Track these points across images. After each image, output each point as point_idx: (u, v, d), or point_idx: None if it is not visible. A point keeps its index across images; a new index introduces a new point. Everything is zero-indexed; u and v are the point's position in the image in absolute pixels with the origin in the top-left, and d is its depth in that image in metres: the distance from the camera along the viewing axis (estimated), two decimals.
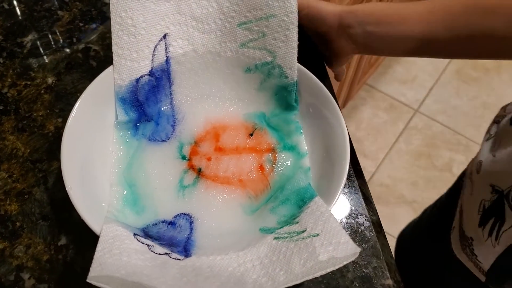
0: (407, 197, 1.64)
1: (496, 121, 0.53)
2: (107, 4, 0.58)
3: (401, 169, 1.72)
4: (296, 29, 0.44)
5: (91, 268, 0.32)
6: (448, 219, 0.58)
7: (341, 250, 0.33)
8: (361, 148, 1.77)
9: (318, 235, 0.35)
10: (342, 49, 0.50)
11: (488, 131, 0.53)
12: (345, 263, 0.32)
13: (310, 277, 0.32)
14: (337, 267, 0.32)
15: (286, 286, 0.32)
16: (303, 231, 0.36)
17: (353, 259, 0.32)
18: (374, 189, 1.67)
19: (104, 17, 0.57)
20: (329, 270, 0.32)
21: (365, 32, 0.47)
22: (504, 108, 0.53)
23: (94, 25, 0.56)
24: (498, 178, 0.47)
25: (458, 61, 2.01)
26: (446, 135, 1.74)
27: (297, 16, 0.44)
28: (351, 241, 0.33)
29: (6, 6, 0.58)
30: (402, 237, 0.77)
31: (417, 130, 1.79)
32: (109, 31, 0.52)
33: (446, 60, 1.98)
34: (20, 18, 0.57)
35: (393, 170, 1.70)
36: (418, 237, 0.70)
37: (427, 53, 0.47)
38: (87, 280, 0.31)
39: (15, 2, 0.58)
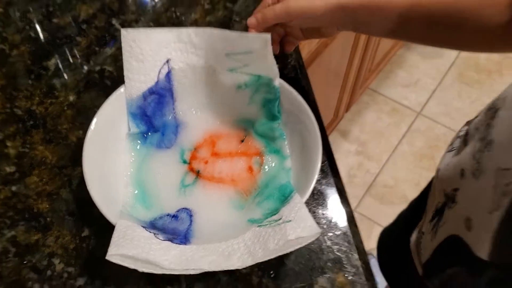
0: (410, 197, 1.69)
1: (459, 135, 0.60)
2: (119, 30, 0.67)
3: (405, 170, 1.78)
4: (273, 57, 0.51)
5: (109, 249, 0.40)
6: (417, 220, 0.66)
7: (307, 231, 0.41)
8: (365, 151, 1.83)
9: (290, 221, 0.43)
10: (329, 34, 0.57)
11: (451, 144, 0.61)
12: (309, 241, 0.40)
13: (281, 253, 0.40)
14: (303, 244, 0.40)
15: (263, 260, 0.40)
16: (280, 219, 0.44)
17: (315, 238, 0.40)
18: (378, 190, 1.73)
19: (116, 42, 0.66)
20: (297, 247, 0.40)
21: (357, 24, 0.54)
22: (468, 123, 0.60)
23: (108, 49, 0.65)
24: (447, 183, 0.55)
25: (461, 64, 2.06)
26: (448, 137, 1.79)
27: (271, 48, 0.51)
28: (315, 224, 0.41)
29: (32, 35, 0.67)
30: (381, 238, 0.84)
31: (420, 132, 1.85)
32: (121, 54, 0.61)
33: (448, 64, 2.04)
34: (44, 44, 0.66)
35: (397, 172, 1.76)
36: (394, 236, 0.77)
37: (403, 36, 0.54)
38: (106, 258, 0.39)
39: (39, 31, 0.67)
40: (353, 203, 1.71)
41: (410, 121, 1.90)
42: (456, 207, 0.53)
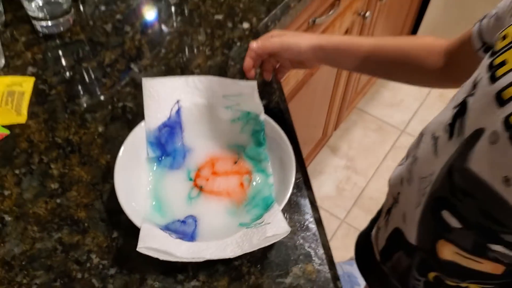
0: None
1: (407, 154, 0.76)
2: (136, 73, 0.83)
3: None
4: (259, 98, 0.68)
5: (138, 243, 0.56)
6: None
7: (280, 230, 0.56)
8: (353, 166, 1.99)
9: (270, 223, 0.58)
10: (311, 66, 0.77)
11: (402, 159, 0.77)
12: (282, 237, 0.56)
13: (262, 246, 0.55)
14: (278, 239, 0.55)
15: (249, 251, 0.55)
16: (262, 222, 0.59)
17: (286, 234, 0.56)
18: (365, 202, 1.88)
19: (135, 83, 0.82)
20: (273, 241, 0.56)
21: (332, 61, 0.74)
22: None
23: (128, 89, 0.81)
24: (394, 189, 0.71)
25: None
26: None
27: (257, 91, 0.68)
28: (286, 225, 0.57)
29: (66, 77, 0.83)
30: (357, 240, 1.00)
31: (403, 148, 1.98)
32: (139, 93, 0.77)
33: None
34: (76, 84, 0.82)
35: (382, 185, 1.90)
36: (365, 235, 0.93)
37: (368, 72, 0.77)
38: (137, 249, 0.55)
39: (72, 74, 0.83)
40: (342, 214, 1.86)
41: (395, 138, 2.06)
42: (398, 206, 0.70)
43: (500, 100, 0.50)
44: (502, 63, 0.51)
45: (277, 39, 0.72)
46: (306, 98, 1.37)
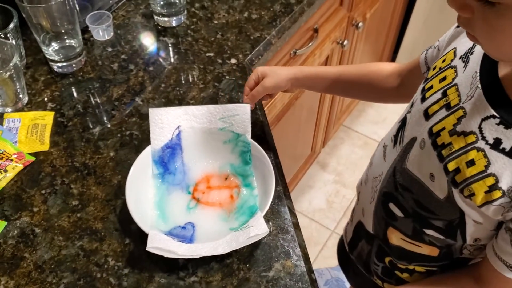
0: None
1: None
2: (141, 105, 0.98)
3: None
4: (250, 121, 0.82)
5: (147, 244, 0.69)
6: None
7: (261, 231, 0.70)
8: (342, 180, 2.12)
9: (253, 226, 0.72)
10: (292, 91, 0.93)
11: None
12: (262, 236, 0.69)
13: (246, 244, 0.69)
14: (259, 238, 0.69)
15: (236, 248, 0.69)
16: (247, 225, 0.73)
17: (266, 234, 0.70)
18: None
19: (140, 114, 0.96)
20: (256, 239, 0.69)
21: (306, 87, 0.90)
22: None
23: (134, 119, 0.96)
24: (357, 189, 0.86)
25: None
26: None
27: (250, 113, 0.82)
28: (266, 227, 0.71)
29: (81, 110, 0.97)
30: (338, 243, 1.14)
31: None
32: (144, 122, 0.91)
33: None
34: (90, 117, 0.96)
35: None
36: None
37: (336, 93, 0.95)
38: (146, 249, 0.68)
39: (85, 107, 0.98)
40: (332, 226, 1.99)
41: None
42: (359, 203, 0.84)
43: (427, 115, 0.65)
44: (430, 87, 0.67)
45: (260, 87, 0.86)
46: (293, 119, 1.51)
